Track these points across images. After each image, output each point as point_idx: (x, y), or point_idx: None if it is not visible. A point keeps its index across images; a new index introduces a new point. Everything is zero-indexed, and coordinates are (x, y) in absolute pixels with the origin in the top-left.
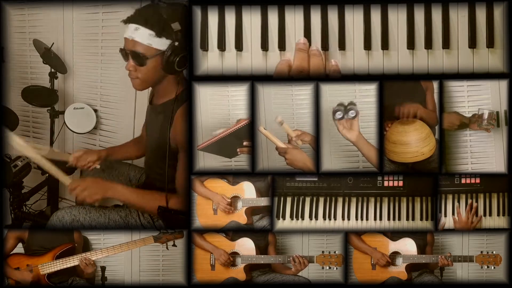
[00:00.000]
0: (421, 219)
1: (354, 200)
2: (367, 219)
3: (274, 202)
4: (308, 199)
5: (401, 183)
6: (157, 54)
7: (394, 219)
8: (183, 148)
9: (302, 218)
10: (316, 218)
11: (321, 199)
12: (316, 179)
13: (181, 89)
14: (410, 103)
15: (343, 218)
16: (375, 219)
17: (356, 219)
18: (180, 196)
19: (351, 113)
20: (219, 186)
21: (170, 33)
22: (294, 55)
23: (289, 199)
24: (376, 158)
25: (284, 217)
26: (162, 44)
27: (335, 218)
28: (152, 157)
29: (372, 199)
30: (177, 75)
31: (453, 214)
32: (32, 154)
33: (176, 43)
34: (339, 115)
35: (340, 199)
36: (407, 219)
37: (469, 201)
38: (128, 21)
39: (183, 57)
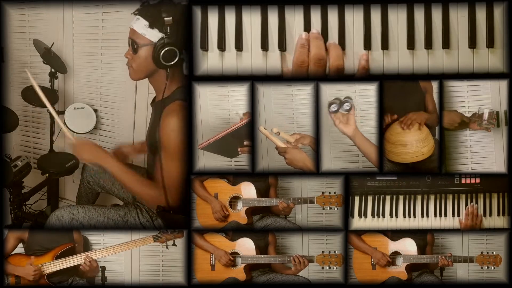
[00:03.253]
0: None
1: (432, 198)
2: (445, 216)
3: (349, 202)
4: (388, 198)
5: (478, 180)
6: (149, 45)
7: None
8: (165, 148)
9: (383, 216)
10: (396, 216)
11: (401, 197)
12: (395, 178)
13: (175, 87)
14: (413, 111)
15: (422, 216)
16: (453, 216)
17: (435, 216)
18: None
19: (346, 106)
20: (219, 186)
21: (161, 26)
22: (310, 44)
23: (370, 198)
24: (374, 154)
25: (366, 216)
26: (154, 35)
27: (414, 216)
28: (150, 153)
29: (450, 197)
30: (165, 70)
31: (453, 215)
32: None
33: (165, 37)
34: (333, 107)
35: (419, 197)
36: (484, 214)
37: (469, 204)
38: (135, 12)
39: (169, 51)
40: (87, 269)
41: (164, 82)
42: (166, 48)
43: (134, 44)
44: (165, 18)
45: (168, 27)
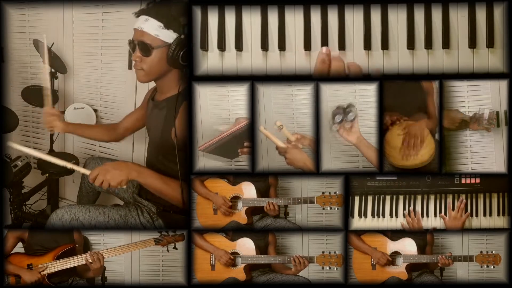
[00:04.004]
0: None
1: (432, 198)
2: (445, 216)
3: (349, 202)
4: (388, 198)
5: (478, 180)
6: (163, 46)
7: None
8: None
9: (383, 216)
10: (397, 216)
11: (401, 197)
12: (395, 178)
13: (184, 85)
14: (414, 121)
15: (422, 216)
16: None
17: (435, 216)
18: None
19: (350, 116)
20: (219, 186)
21: (178, 26)
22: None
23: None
24: (377, 159)
25: (366, 216)
26: (169, 36)
27: (414, 216)
28: (155, 152)
29: (450, 197)
30: (180, 70)
31: (440, 212)
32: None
33: (182, 37)
34: (338, 118)
35: (419, 197)
36: (484, 214)
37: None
38: (139, 13)
39: (187, 51)
40: (91, 262)
41: (177, 81)
42: (186, 49)
43: (145, 46)
44: (181, 18)
45: (186, 27)
